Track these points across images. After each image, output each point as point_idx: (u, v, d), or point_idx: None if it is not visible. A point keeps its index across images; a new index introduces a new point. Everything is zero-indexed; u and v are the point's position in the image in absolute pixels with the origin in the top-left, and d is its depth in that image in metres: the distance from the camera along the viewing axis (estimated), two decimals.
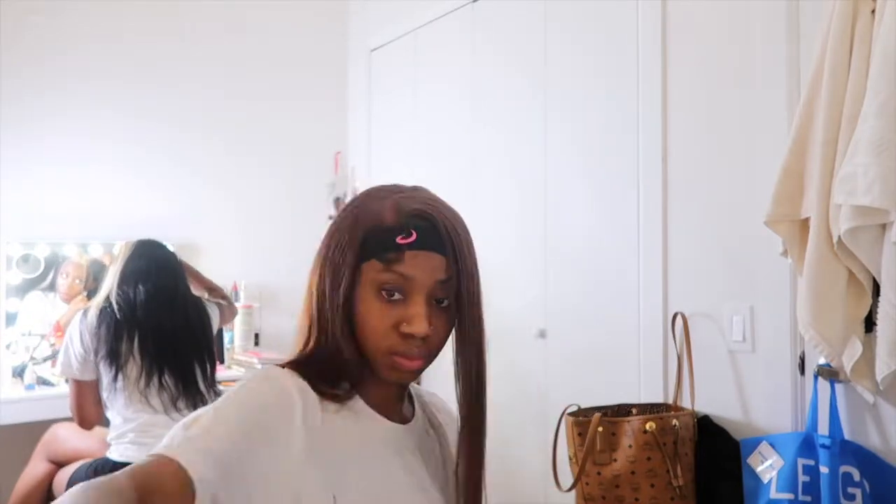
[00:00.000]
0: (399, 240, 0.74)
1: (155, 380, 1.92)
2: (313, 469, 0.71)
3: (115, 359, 1.92)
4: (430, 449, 0.86)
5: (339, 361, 0.77)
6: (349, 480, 0.74)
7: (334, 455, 0.74)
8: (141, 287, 1.98)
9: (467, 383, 0.80)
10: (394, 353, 0.76)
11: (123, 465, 1.80)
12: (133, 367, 1.93)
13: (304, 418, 0.72)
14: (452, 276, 0.76)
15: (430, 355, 0.78)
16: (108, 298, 1.98)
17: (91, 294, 2.53)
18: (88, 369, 1.97)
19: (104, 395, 1.97)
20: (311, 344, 0.79)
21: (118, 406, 1.94)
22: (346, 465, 0.75)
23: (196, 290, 2.27)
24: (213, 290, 2.45)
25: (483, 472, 0.83)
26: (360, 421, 0.79)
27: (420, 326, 0.74)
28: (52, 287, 2.70)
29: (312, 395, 0.75)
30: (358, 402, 0.79)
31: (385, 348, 0.76)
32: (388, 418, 0.82)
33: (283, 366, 0.78)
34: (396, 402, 0.85)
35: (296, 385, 0.74)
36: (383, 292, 0.75)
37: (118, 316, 1.94)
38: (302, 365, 0.78)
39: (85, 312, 1.99)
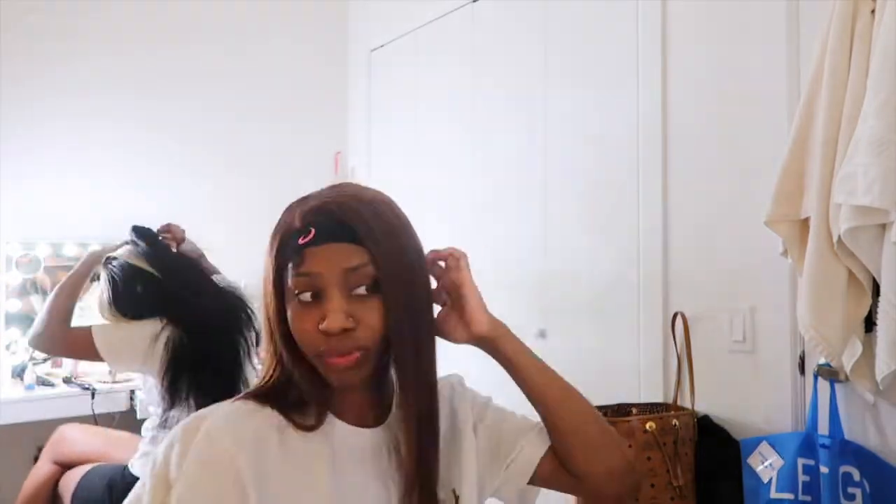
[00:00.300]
0: (300, 241, 0.73)
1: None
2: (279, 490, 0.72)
3: (173, 395, 1.82)
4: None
5: (298, 384, 0.76)
6: (321, 493, 0.74)
7: (300, 474, 0.74)
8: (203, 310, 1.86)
9: (401, 368, 0.76)
10: (322, 355, 0.74)
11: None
12: (187, 407, 1.82)
13: (249, 463, 0.71)
14: (366, 262, 0.73)
15: (363, 347, 0.73)
16: (172, 321, 1.85)
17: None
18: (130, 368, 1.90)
19: (144, 395, 1.91)
20: (271, 371, 0.79)
21: (153, 423, 1.88)
22: (315, 481, 0.74)
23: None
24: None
25: (427, 465, 0.77)
26: (329, 432, 0.77)
27: (332, 321, 0.71)
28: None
29: (254, 425, 0.73)
30: (331, 419, 0.78)
31: (313, 351, 0.74)
32: (362, 424, 0.80)
33: (244, 397, 0.77)
34: (370, 408, 0.81)
35: (228, 429, 0.72)
36: (300, 296, 0.73)
37: (185, 350, 1.81)
38: (262, 396, 0.77)
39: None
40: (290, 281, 0.74)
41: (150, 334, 1.82)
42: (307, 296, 0.73)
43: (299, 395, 0.77)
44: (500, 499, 0.90)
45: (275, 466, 0.73)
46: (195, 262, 2.07)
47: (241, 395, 0.79)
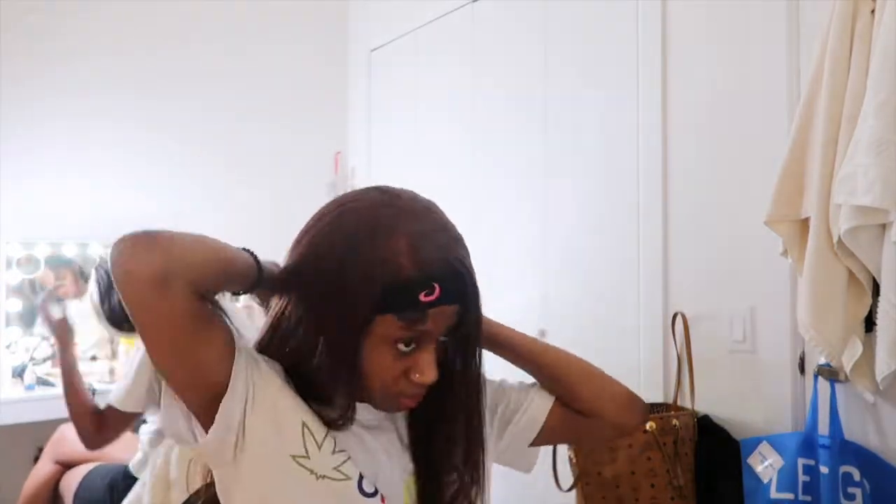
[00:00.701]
0: (422, 297, 0.68)
1: None
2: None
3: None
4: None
5: (329, 386, 0.75)
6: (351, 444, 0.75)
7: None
8: None
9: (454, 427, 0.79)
10: (401, 396, 0.74)
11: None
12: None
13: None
14: (461, 323, 0.73)
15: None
16: None
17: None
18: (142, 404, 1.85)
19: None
20: (296, 349, 0.75)
21: (149, 428, 1.87)
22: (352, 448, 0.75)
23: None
24: None
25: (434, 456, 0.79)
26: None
27: (431, 376, 0.72)
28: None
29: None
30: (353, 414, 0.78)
31: (393, 392, 0.74)
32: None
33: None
34: None
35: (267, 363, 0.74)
36: (399, 345, 0.71)
37: None
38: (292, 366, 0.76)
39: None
40: (389, 327, 0.69)
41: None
42: (407, 347, 0.71)
43: (322, 388, 0.75)
44: (501, 462, 0.91)
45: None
46: None
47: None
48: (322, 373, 0.73)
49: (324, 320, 0.71)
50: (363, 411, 0.77)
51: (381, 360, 0.71)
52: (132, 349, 1.94)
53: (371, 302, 0.69)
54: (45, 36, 2.72)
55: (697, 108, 1.81)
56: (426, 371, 0.72)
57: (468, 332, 0.75)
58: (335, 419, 0.73)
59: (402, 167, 2.94)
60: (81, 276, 2.67)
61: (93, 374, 2.52)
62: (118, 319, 1.85)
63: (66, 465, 2.11)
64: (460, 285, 0.71)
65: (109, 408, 1.72)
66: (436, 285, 0.69)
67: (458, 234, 0.76)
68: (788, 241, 1.47)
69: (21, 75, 2.67)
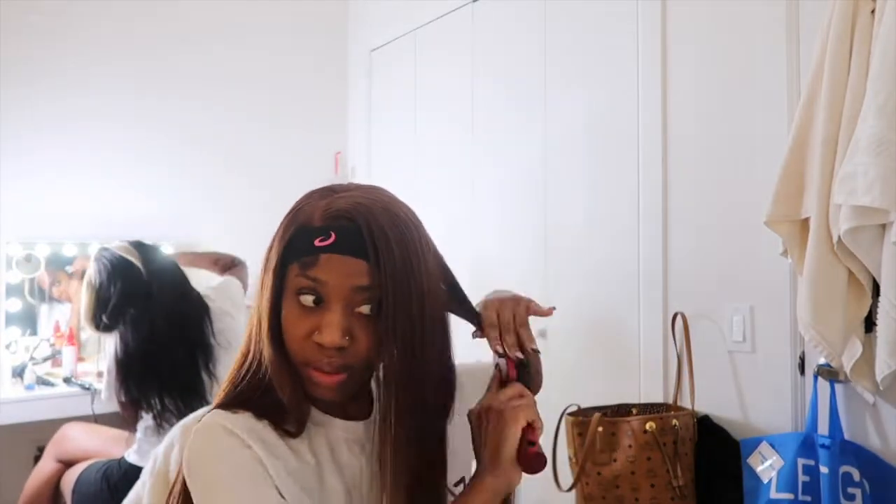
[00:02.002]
0: (317, 242, 0.69)
1: (168, 421, 1.90)
2: (297, 487, 0.71)
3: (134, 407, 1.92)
4: None
5: (275, 384, 0.73)
6: (333, 485, 0.74)
7: (310, 468, 0.73)
8: (150, 328, 1.91)
9: (381, 397, 0.74)
10: (309, 366, 0.71)
11: (138, 469, 1.78)
12: (148, 417, 1.93)
13: (268, 457, 0.70)
14: (374, 284, 0.69)
15: (351, 368, 0.71)
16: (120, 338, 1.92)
17: None
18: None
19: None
20: (247, 365, 0.75)
21: (146, 423, 1.96)
22: (325, 473, 0.74)
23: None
24: (218, 263, 2.41)
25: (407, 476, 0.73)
26: (323, 429, 0.77)
27: (329, 336, 0.69)
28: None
29: (264, 427, 0.72)
30: (316, 413, 0.77)
31: (301, 358, 0.71)
32: (349, 416, 0.79)
33: (218, 408, 0.74)
34: (353, 401, 0.79)
35: (239, 428, 0.70)
36: (301, 297, 0.70)
37: (132, 367, 1.91)
38: (240, 403, 0.74)
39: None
40: (293, 278, 0.71)
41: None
42: (308, 299, 0.70)
43: (278, 399, 0.73)
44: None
45: (286, 461, 0.72)
46: (179, 271, 2.11)
47: (216, 405, 0.75)
48: (261, 367, 0.74)
49: (258, 294, 0.74)
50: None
51: (291, 316, 0.71)
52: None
53: (280, 253, 0.72)
54: (45, 36, 2.72)
55: (697, 107, 1.81)
56: (324, 329, 0.69)
57: (383, 297, 0.70)
58: (293, 432, 0.73)
59: (402, 167, 2.94)
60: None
61: (93, 374, 2.53)
62: (106, 309, 1.92)
63: (68, 464, 2.12)
64: (356, 236, 0.69)
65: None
66: (332, 233, 0.70)
67: (396, 209, 0.73)
68: (788, 241, 1.47)
69: (21, 75, 2.67)
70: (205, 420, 0.72)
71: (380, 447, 0.74)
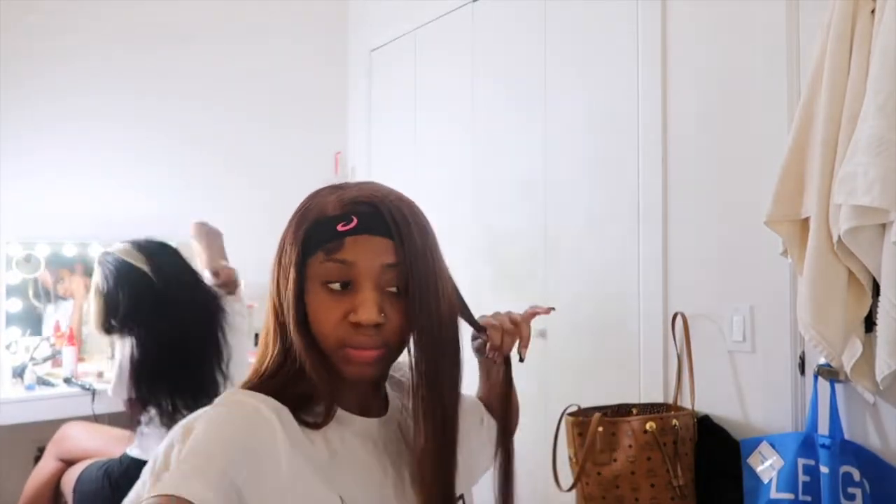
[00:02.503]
0: (339, 227, 0.72)
1: (174, 420, 1.84)
2: (309, 478, 0.70)
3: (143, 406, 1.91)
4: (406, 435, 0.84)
5: (309, 376, 0.74)
6: (346, 480, 0.74)
7: (324, 461, 0.73)
8: (161, 326, 1.89)
9: (418, 375, 0.75)
10: (345, 346, 0.72)
11: (140, 463, 1.78)
12: (154, 412, 1.90)
13: (285, 436, 0.69)
14: (401, 261, 0.72)
15: (388, 345, 0.74)
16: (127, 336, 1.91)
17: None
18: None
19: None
20: (271, 359, 0.76)
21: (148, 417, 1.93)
22: (340, 468, 0.74)
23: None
24: (219, 275, 2.28)
25: (447, 470, 0.76)
26: (340, 424, 0.77)
27: (368, 313, 0.70)
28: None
29: (286, 410, 0.72)
30: (336, 410, 0.77)
31: (336, 341, 0.72)
32: (366, 415, 0.80)
33: (245, 388, 0.75)
34: (373, 399, 0.82)
35: (266, 404, 0.71)
36: (329, 284, 0.72)
37: (147, 369, 1.89)
38: (265, 386, 0.74)
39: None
40: (318, 267, 0.72)
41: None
42: (337, 285, 0.72)
43: (304, 390, 0.75)
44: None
45: (302, 449, 0.71)
46: (188, 268, 2.07)
47: (242, 385, 0.76)
48: (288, 351, 0.75)
49: (277, 284, 0.76)
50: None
51: (319, 302, 0.72)
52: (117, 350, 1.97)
53: (300, 246, 0.73)
54: (45, 36, 2.72)
55: (697, 107, 1.81)
56: (361, 308, 0.71)
57: (410, 273, 0.72)
58: (318, 423, 0.73)
59: (402, 167, 2.94)
60: None
61: (93, 374, 2.53)
62: (116, 314, 1.90)
63: (69, 463, 2.12)
64: (382, 217, 0.72)
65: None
66: (353, 217, 0.72)
67: (405, 198, 0.77)
68: (788, 241, 1.47)
69: (21, 75, 2.67)
70: (231, 392, 0.74)
71: (413, 414, 0.77)
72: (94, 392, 2.34)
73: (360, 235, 0.72)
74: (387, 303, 0.73)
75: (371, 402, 0.81)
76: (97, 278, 1.95)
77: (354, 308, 0.71)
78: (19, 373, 2.51)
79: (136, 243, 2.00)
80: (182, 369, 1.90)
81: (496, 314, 0.90)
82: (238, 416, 0.69)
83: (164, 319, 1.89)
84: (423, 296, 0.73)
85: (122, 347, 1.92)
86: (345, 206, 0.73)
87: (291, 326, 0.74)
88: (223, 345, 2.00)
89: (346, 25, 3.41)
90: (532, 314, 0.94)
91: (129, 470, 1.84)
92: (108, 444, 2.07)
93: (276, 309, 0.76)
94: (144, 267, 1.94)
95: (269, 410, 0.70)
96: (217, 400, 0.73)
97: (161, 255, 2.01)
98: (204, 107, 3.04)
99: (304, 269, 0.73)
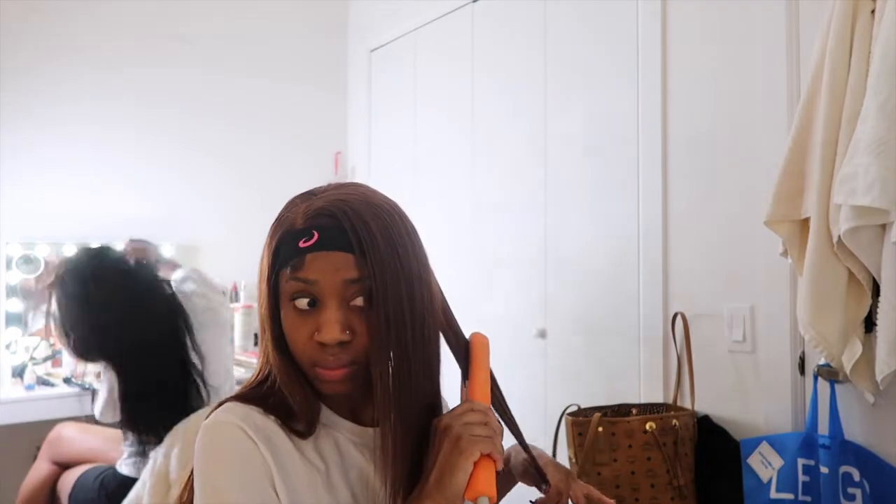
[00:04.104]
0: (301, 244, 0.70)
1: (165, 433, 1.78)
2: (303, 489, 0.71)
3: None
4: None
5: (286, 390, 0.74)
6: (340, 488, 0.74)
7: (318, 469, 0.73)
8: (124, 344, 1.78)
9: (378, 389, 0.71)
10: (316, 366, 0.71)
11: (131, 480, 1.74)
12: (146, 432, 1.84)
13: (269, 453, 0.70)
14: (366, 275, 0.69)
15: (356, 362, 0.71)
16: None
17: None
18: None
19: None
20: (261, 368, 0.77)
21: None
22: (332, 476, 0.74)
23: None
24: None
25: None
26: (333, 431, 0.77)
27: (329, 333, 0.69)
28: None
29: (271, 425, 0.72)
30: (327, 415, 0.77)
31: (307, 360, 0.72)
32: (359, 422, 0.79)
33: (233, 399, 0.75)
34: (366, 406, 0.80)
35: (248, 421, 0.71)
36: (295, 301, 0.71)
37: (135, 405, 1.82)
38: (252, 398, 0.75)
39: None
40: (285, 284, 0.71)
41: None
42: (303, 303, 0.70)
43: (283, 403, 0.75)
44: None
45: (290, 462, 0.72)
46: (145, 275, 1.92)
47: (231, 397, 0.77)
48: (276, 373, 0.75)
49: (259, 300, 0.76)
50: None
51: (289, 322, 0.72)
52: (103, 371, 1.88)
53: (271, 262, 0.73)
54: (45, 36, 2.72)
55: (697, 108, 1.81)
56: (323, 329, 0.69)
57: (373, 286, 0.69)
58: (303, 433, 0.74)
59: (402, 167, 2.94)
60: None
61: (93, 374, 2.52)
62: (86, 349, 1.81)
63: (64, 466, 2.11)
64: (339, 231, 0.70)
65: None
66: (314, 232, 0.70)
67: (376, 200, 0.74)
68: (788, 241, 1.47)
69: (21, 76, 2.67)
70: (215, 414, 0.74)
71: (381, 438, 0.72)
72: (93, 392, 2.34)
73: (319, 252, 0.70)
74: (354, 318, 0.71)
75: (365, 409, 0.80)
76: (53, 305, 1.81)
77: (319, 327, 0.70)
78: (19, 373, 2.51)
79: (80, 263, 1.84)
80: (169, 397, 1.83)
81: (560, 468, 0.98)
82: (228, 447, 0.70)
83: (136, 345, 1.79)
84: (393, 309, 0.69)
85: (106, 371, 1.85)
86: (308, 219, 0.71)
87: (268, 343, 0.74)
88: (195, 353, 1.89)
89: (345, 26, 3.41)
90: (597, 498, 0.96)
91: (123, 485, 1.80)
92: (103, 445, 2.06)
93: (260, 321, 0.76)
94: (93, 288, 1.78)
95: (252, 429, 0.71)
96: (203, 423, 0.73)
97: (108, 276, 1.83)
98: (204, 107, 3.04)
99: (277, 284, 0.73)
